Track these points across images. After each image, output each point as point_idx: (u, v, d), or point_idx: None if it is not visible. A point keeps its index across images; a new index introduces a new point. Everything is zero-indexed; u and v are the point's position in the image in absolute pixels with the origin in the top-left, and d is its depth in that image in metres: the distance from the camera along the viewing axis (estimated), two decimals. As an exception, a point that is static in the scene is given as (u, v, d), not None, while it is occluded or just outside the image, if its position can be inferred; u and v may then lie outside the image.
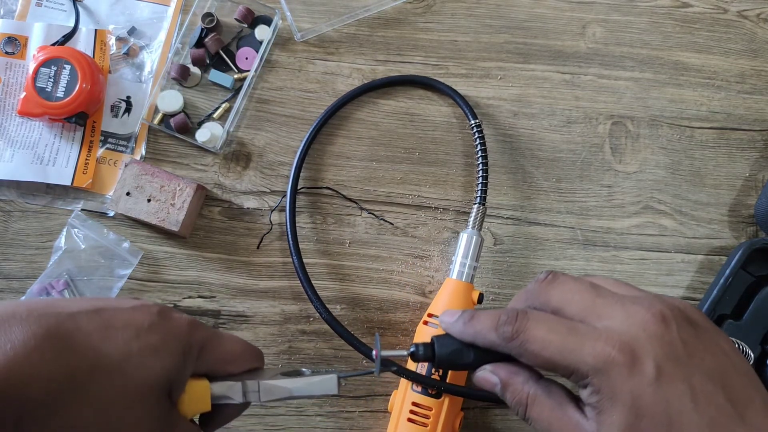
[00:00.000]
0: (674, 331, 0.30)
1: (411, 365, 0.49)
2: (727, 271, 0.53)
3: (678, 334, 0.30)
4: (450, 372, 0.47)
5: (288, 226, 0.53)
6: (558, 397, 0.33)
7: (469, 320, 0.35)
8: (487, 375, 0.35)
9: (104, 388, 0.31)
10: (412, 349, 0.37)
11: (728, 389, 0.29)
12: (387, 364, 0.38)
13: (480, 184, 0.53)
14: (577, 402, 0.32)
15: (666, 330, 0.30)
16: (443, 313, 0.37)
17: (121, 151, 0.57)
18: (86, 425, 0.31)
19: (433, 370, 0.47)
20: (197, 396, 0.36)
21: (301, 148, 0.56)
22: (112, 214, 0.55)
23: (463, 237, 0.51)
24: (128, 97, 0.58)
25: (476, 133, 0.54)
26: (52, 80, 0.54)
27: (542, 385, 0.34)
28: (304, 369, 0.40)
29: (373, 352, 0.37)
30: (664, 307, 0.31)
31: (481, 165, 0.53)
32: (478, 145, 0.54)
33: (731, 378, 0.30)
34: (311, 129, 0.56)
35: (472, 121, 0.55)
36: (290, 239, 0.53)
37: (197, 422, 0.38)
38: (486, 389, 0.35)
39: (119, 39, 0.58)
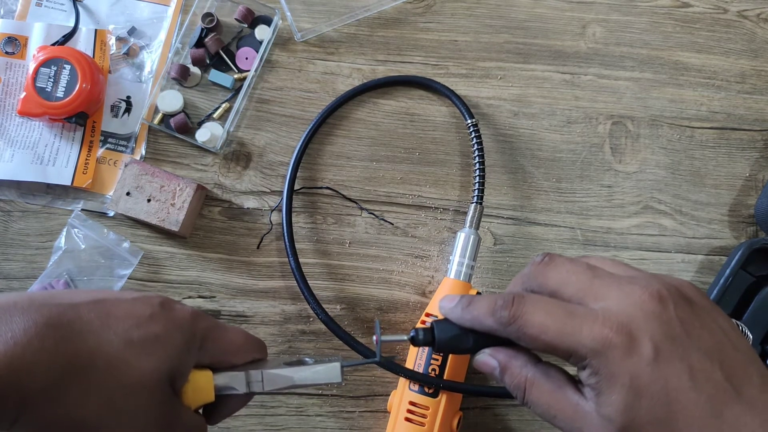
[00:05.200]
0: (671, 310, 0.30)
1: (410, 361, 0.49)
2: (727, 271, 0.53)
3: (675, 313, 0.30)
4: (447, 368, 0.47)
5: (285, 229, 0.53)
6: (556, 380, 0.33)
7: (467, 305, 0.35)
8: (486, 359, 0.35)
9: (105, 375, 0.32)
10: (412, 334, 0.37)
11: (726, 366, 0.29)
12: (389, 357, 0.38)
13: (477, 184, 0.53)
14: (576, 384, 0.32)
15: (663, 309, 0.30)
16: (442, 298, 0.37)
17: (121, 151, 0.57)
18: (88, 412, 0.31)
19: (433, 354, 0.47)
20: (200, 386, 0.36)
21: (297, 149, 0.56)
22: (112, 214, 0.55)
23: (461, 236, 0.51)
24: (128, 97, 0.58)
25: (473, 133, 0.54)
26: (52, 80, 0.54)
27: (541, 369, 0.34)
28: (307, 358, 0.40)
29: (374, 338, 0.38)
30: (660, 286, 0.31)
31: (478, 164, 0.53)
32: (475, 145, 0.54)
33: (729, 355, 0.30)
34: (307, 130, 0.56)
35: (469, 121, 0.55)
36: (287, 241, 0.53)
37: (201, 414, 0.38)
38: (485, 372, 0.35)
39: (119, 39, 0.58)
